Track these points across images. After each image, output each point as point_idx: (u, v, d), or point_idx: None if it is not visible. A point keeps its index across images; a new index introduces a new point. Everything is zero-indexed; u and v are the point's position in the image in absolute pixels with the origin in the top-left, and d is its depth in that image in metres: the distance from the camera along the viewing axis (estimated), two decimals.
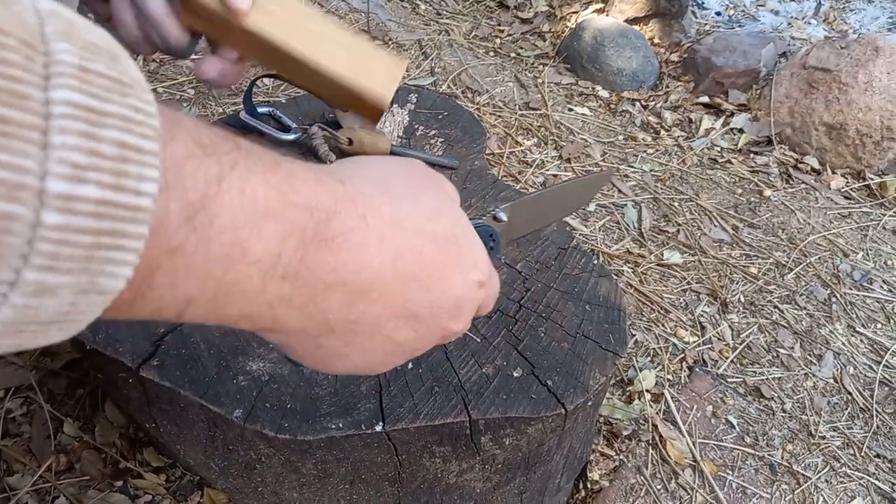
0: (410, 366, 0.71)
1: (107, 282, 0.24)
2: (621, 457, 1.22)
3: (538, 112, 2.11)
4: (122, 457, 1.08)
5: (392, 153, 0.97)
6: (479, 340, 0.74)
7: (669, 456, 1.23)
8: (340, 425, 0.64)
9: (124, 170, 0.22)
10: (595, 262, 0.87)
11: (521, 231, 0.56)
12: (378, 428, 0.64)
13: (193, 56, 0.63)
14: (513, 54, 2.38)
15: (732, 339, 1.50)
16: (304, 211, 0.32)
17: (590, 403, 0.76)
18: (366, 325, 0.39)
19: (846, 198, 2.01)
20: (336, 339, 0.39)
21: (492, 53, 2.36)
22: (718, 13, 2.67)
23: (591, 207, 1.79)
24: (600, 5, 2.52)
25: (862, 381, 1.47)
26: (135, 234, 0.24)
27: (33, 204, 0.20)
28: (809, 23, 2.74)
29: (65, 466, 1.06)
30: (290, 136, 0.94)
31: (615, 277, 1.57)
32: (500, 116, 2.05)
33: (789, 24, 2.70)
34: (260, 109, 0.97)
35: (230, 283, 0.31)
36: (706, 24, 2.61)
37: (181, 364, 0.66)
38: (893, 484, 1.29)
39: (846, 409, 1.41)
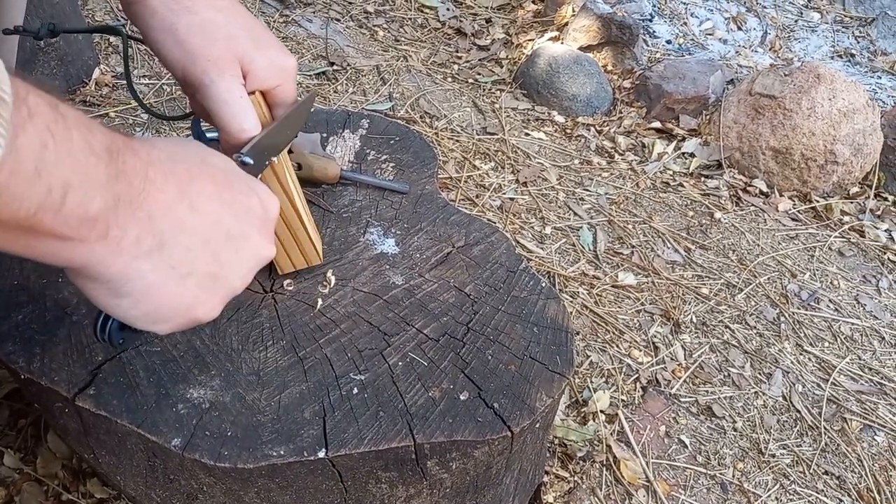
0: (356, 391, 0.70)
1: None
2: (576, 478, 1.22)
3: (495, 137, 2.14)
4: (65, 489, 1.04)
5: (342, 178, 0.97)
6: (425, 364, 0.75)
7: (623, 477, 1.24)
8: (282, 452, 0.63)
9: None
10: (543, 284, 0.88)
11: (265, 160, 0.71)
12: (321, 454, 0.64)
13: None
14: (470, 80, 2.42)
15: (685, 359, 1.53)
16: (112, 134, 0.45)
17: (537, 425, 0.76)
18: (192, 240, 0.51)
19: (793, 220, 2.08)
20: (165, 257, 0.49)
21: (450, 79, 2.39)
22: (669, 42, 2.75)
23: (548, 230, 1.81)
24: (555, 33, 2.58)
25: (810, 398, 1.50)
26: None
27: None
28: (756, 51, 2.83)
29: (4, 500, 1.03)
30: None
31: (564, 299, 1.59)
32: (457, 141, 2.07)
33: (737, 52, 2.79)
34: (209, 134, 0.97)
35: (92, 172, 0.42)
36: (657, 52, 2.68)
37: (119, 393, 0.65)
38: (841, 500, 1.32)
39: (795, 426, 1.44)
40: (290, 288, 0.80)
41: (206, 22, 0.65)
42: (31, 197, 0.39)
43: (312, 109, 0.95)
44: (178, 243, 0.50)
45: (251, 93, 0.68)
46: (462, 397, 0.72)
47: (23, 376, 0.67)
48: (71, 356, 0.68)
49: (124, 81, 1.83)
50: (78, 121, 0.42)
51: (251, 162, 0.64)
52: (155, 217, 0.48)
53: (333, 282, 0.82)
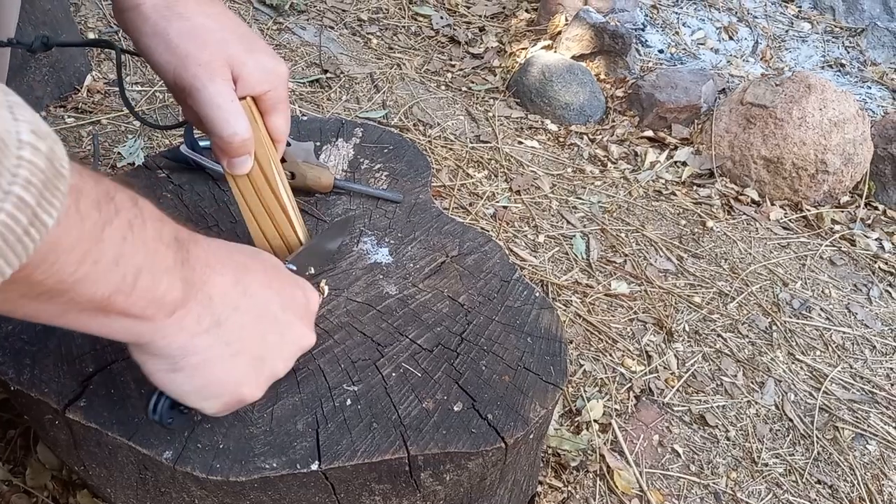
0: (349, 402, 0.70)
1: (47, 212, 0.36)
2: (569, 488, 1.22)
3: (489, 145, 2.14)
4: (55, 500, 1.03)
5: (336, 187, 0.97)
6: (419, 375, 0.74)
7: (617, 486, 1.24)
8: (275, 465, 0.62)
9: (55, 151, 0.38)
10: (537, 294, 0.88)
11: (305, 271, 0.77)
12: (314, 467, 0.63)
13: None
14: (464, 88, 2.42)
15: (678, 368, 1.53)
16: (178, 226, 0.51)
17: (531, 436, 0.76)
18: (245, 320, 0.56)
19: (785, 228, 2.09)
20: (221, 335, 0.54)
21: (443, 87, 2.40)
22: (661, 51, 2.76)
23: (541, 239, 1.81)
24: (548, 42, 2.59)
25: (802, 407, 1.51)
26: (61, 189, 0.37)
27: (15, 145, 0.34)
28: (747, 61, 2.85)
29: None
30: None
31: (558, 308, 1.59)
32: (451, 149, 2.07)
33: (728, 61, 2.81)
34: (202, 143, 0.96)
35: (160, 259, 0.47)
36: (649, 61, 2.70)
37: (109, 404, 0.65)
38: None
39: (788, 435, 1.44)
40: None
41: (197, 27, 0.66)
42: (109, 282, 0.43)
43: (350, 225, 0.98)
44: (233, 322, 0.55)
45: (242, 98, 0.68)
46: (456, 408, 0.72)
47: (12, 388, 0.66)
48: (61, 367, 0.68)
49: (116, 88, 1.83)
50: (152, 213, 0.47)
51: (294, 269, 0.71)
52: (214, 299, 0.53)
53: (327, 292, 0.82)
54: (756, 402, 1.49)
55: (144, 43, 0.67)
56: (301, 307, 0.63)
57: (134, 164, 1.63)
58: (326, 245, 0.83)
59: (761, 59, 2.89)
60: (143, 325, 0.49)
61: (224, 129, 0.65)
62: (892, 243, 2.09)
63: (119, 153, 1.66)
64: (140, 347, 0.52)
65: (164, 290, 0.48)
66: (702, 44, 2.89)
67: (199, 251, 0.53)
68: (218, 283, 0.54)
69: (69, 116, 1.74)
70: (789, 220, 2.12)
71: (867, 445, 1.45)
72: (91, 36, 1.94)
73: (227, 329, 0.54)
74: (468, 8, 2.88)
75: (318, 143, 1.07)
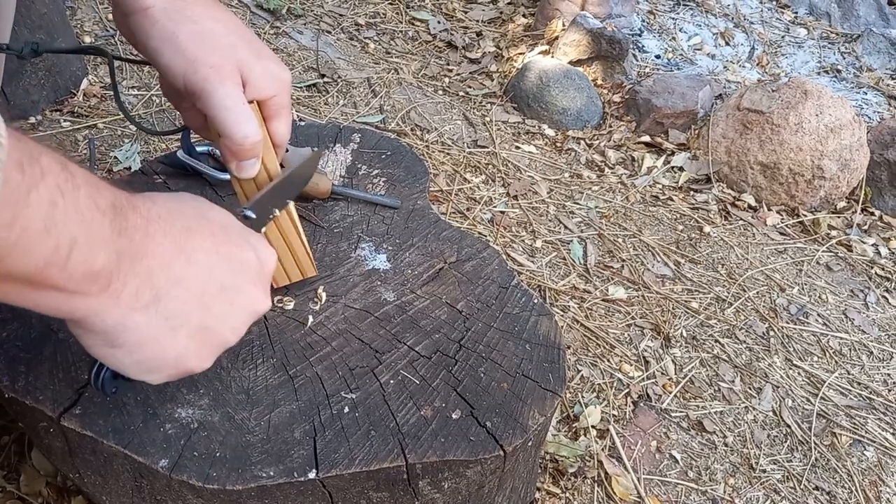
0: (347, 410, 0.69)
1: None
2: (567, 495, 1.22)
3: (486, 150, 2.14)
4: None
5: (333, 192, 0.97)
6: (417, 382, 0.74)
7: (615, 493, 1.24)
8: (272, 473, 0.62)
9: None
10: (535, 300, 0.88)
11: (269, 214, 0.72)
12: (311, 475, 0.63)
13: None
14: (461, 93, 2.42)
15: (675, 374, 1.53)
16: (116, 191, 0.47)
17: (530, 444, 0.76)
18: (188, 293, 0.52)
19: (781, 234, 2.09)
20: (160, 310, 0.51)
21: (441, 92, 2.40)
22: (658, 56, 2.77)
23: (538, 244, 1.81)
24: (546, 47, 2.59)
25: (800, 413, 1.50)
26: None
27: None
28: (744, 66, 2.86)
29: None
30: (228, 176, 0.93)
31: (555, 313, 1.59)
32: (448, 154, 2.07)
33: (725, 67, 2.81)
34: (199, 148, 0.96)
35: (97, 229, 0.44)
36: (646, 66, 2.70)
37: (105, 412, 0.64)
38: None
39: (785, 441, 1.44)
40: (290, 306, 0.79)
41: (206, 31, 0.66)
42: (40, 253, 0.40)
43: (319, 163, 0.96)
44: (174, 297, 0.52)
45: (249, 102, 0.68)
46: (454, 416, 0.71)
47: (6, 395, 0.66)
48: (56, 375, 0.67)
49: (113, 92, 1.82)
50: (86, 179, 0.44)
51: (254, 216, 0.66)
52: (153, 271, 0.50)
53: (324, 298, 0.81)
54: (754, 408, 1.49)
55: (153, 47, 0.67)
56: (253, 271, 0.59)
57: (130, 168, 1.62)
58: (292, 183, 0.78)
59: (758, 64, 2.90)
60: (78, 301, 0.46)
61: (236, 132, 0.65)
62: (889, 249, 2.09)
63: (115, 158, 1.65)
64: (75, 322, 0.49)
65: (101, 264, 0.45)
66: (698, 49, 2.89)
67: (139, 219, 0.49)
68: (158, 255, 0.50)
69: (65, 120, 1.73)
70: (786, 226, 2.12)
71: (865, 451, 1.45)
72: (88, 40, 1.94)
73: (167, 304, 0.51)
74: (465, 13, 2.88)
75: (315, 149, 1.06)
